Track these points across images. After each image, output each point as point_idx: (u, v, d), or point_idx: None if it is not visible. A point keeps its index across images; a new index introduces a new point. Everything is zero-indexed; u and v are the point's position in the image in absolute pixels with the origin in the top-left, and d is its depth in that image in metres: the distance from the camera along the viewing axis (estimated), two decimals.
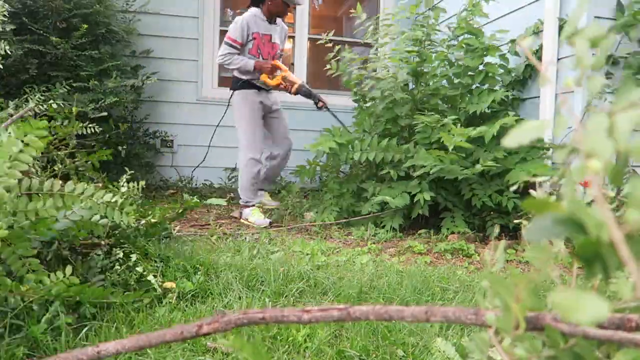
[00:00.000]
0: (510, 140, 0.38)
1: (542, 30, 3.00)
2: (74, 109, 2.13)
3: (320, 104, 3.33)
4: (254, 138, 3.18)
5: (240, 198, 3.24)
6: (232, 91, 3.26)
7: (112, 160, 3.74)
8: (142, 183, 2.14)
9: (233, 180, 4.59)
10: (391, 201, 2.75)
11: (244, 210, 3.19)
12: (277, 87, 3.23)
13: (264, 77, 3.16)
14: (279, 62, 3.21)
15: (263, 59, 3.21)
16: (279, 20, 3.30)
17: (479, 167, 2.58)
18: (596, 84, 0.36)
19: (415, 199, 2.76)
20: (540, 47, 3.00)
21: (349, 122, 4.31)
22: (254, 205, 3.19)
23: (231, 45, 3.10)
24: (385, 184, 3.03)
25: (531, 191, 0.65)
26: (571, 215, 0.37)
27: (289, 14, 3.54)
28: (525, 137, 0.37)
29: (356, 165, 3.37)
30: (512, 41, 3.21)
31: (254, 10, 3.17)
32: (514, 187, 0.75)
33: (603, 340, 0.45)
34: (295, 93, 3.29)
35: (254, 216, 3.11)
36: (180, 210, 2.25)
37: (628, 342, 0.43)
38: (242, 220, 3.19)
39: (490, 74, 2.99)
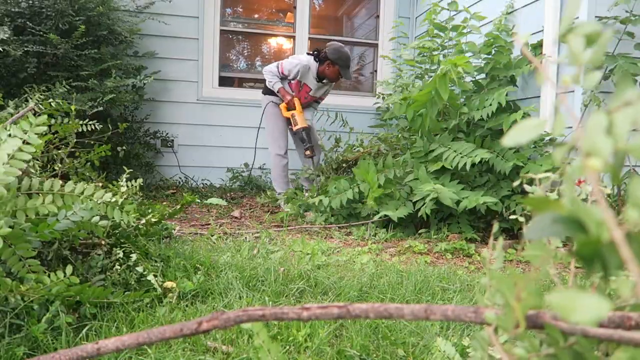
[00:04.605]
0: (509, 140, 0.37)
1: (515, 10, 3.08)
2: (72, 107, 2.13)
3: (306, 152, 3.59)
4: (276, 136, 3.67)
5: (275, 190, 3.81)
6: (263, 95, 3.77)
7: (112, 160, 3.77)
8: (140, 181, 2.14)
9: (234, 180, 4.60)
10: (392, 215, 2.77)
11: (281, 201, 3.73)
12: (287, 118, 3.70)
13: (282, 106, 3.65)
14: (297, 102, 3.60)
15: (292, 92, 3.69)
16: (326, 80, 3.70)
17: (465, 203, 2.59)
18: (593, 80, 0.36)
19: (419, 214, 2.75)
20: (540, 44, 3.00)
21: (364, 122, 4.42)
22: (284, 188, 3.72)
23: (278, 71, 3.59)
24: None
25: (527, 187, 0.64)
26: (571, 214, 0.37)
27: (289, 13, 3.67)
28: (524, 136, 0.37)
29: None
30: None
31: (312, 64, 3.57)
32: (517, 183, 0.74)
33: (603, 338, 0.45)
34: (294, 133, 3.68)
35: (288, 206, 3.52)
36: (178, 207, 2.25)
37: (628, 341, 0.43)
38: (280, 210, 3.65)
39: (498, 66, 3.00)
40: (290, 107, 3.59)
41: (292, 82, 3.65)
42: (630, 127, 0.32)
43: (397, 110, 3.02)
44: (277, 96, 3.68)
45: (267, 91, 3.72)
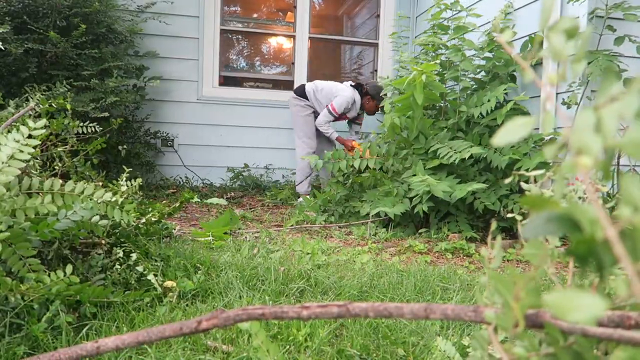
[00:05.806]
0: (500, 139, 0.37)
1: (515, 9, 3.12)
2: (68, 105, 2.13)
3: None
4: (305, 136, 4.01)
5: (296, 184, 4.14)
6: (293, 94, 4.08)
7: (112, 159, 3.77)
8: (140, 180, 2.14)
9: (235, 180, 4.60)
10: (389, 211, 2.76)
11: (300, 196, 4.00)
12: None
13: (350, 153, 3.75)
14: (357, 143, 3.90)
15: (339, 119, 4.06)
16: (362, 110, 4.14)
17: (456, 193, 2.60)
18: (578, 70, 0.36)
19: (416, 210, 2.75)
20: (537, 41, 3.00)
21: (366, 122, 4.48)
22: (306, 189, 4.02)
23: (331, 114, 3.92)
24: (385, 190, 3.04)
25: (523, 185, 0.64)
26: (565, 212, 0.37)
27: (289, 12, 3.77)
28: (514, 135, 0.37)
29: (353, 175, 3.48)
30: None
31: (357, 97, 3.98)
32: (508, 180, 0.74)
33: (602, 338, 0.45)
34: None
35: (304, 199, 3.70)
36: (177, 204, 2.25)
37: (627, 340, 0.43)
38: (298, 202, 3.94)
39: (498, 63, 3.01)
40: (351, 150, 3.79)
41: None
42: (617, 122, 0.32)
43: (387, 111, 3.07)
44: (304, 99, 4.01)
45: (300, 93, 4.03)
